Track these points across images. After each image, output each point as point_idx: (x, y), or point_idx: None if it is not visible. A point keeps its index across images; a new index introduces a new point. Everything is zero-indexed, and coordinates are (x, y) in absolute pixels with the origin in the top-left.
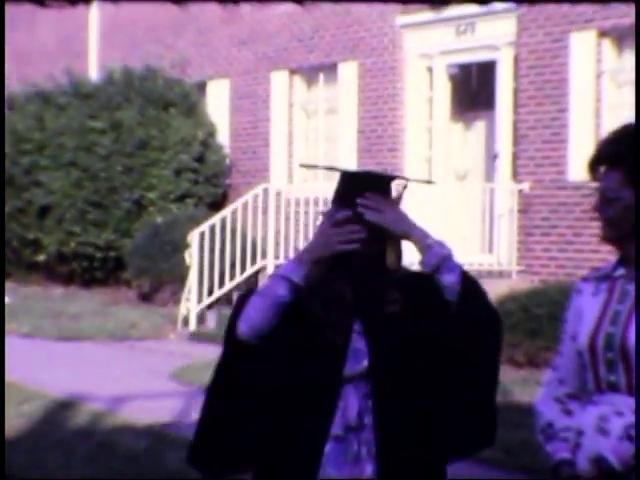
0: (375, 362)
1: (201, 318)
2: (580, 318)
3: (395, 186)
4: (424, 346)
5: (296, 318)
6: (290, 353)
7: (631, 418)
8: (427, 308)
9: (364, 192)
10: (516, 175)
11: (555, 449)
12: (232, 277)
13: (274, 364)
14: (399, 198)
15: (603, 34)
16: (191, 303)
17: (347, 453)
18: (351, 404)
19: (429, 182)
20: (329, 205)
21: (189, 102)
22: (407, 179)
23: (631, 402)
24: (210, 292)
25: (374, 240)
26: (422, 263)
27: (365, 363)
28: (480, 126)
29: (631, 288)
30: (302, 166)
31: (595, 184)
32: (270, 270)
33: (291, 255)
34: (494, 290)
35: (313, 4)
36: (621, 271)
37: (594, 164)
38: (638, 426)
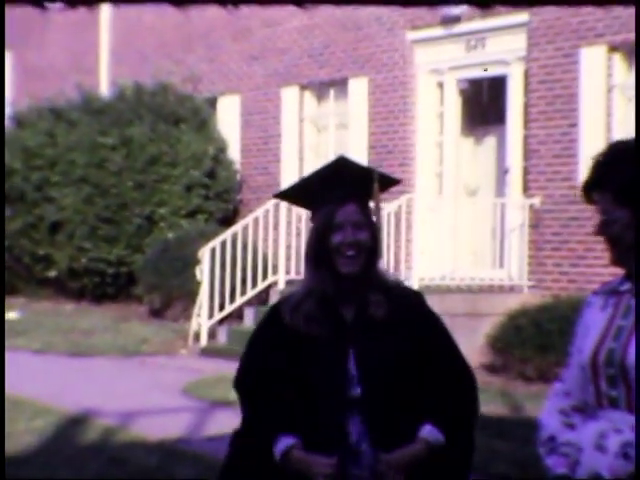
0: (368, 389)
1: (212, 333)
2: (587, 332)
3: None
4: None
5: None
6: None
7: (629, 435)
8: (412, 323)
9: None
10: (527, 190)
11: (554, 464)
12: (243, 292)
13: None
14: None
15: (613, 49)
16: (202, 318)
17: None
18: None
19: (397, 181)
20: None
21: (200, 118)
22: (379, 174)
23: (630, 419)
24: (221, 307)
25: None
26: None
27: (359, 390)
28: (491, 141)
29: (634, 303)
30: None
31: (593, 208)
32: (281, 285)
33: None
34: (505, 305)
35: (313, 6)
36: (627, 286)
37: (587, 190)
38: (638, 441)
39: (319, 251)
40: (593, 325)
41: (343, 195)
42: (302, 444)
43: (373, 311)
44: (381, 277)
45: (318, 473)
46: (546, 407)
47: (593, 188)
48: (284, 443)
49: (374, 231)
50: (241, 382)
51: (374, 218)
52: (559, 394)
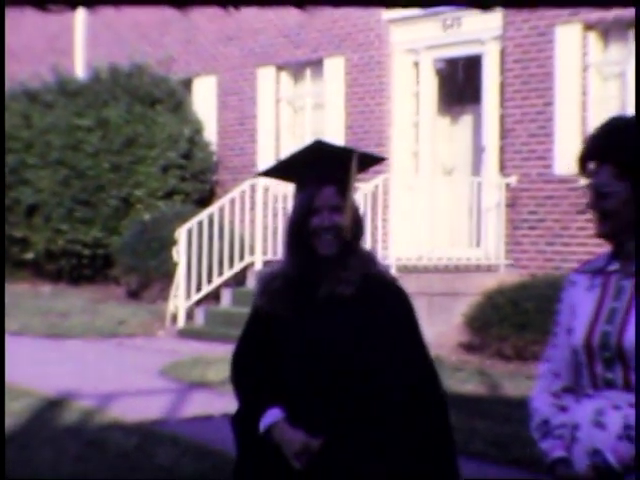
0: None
1: (189, 315)
2: (574, 313)
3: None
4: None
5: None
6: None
7: (629, 412)
8: (379, 305)
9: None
10: (503, 169)
11: (550, 447)
12: (220, 273)
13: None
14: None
15: (588, 27)
16: (179, 300)
17: None
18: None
19: (382, 159)
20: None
21: (175, 99)
22: (361, 153)
23: (628, 397)
24: (198, 288)
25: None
26: None
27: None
28: (467, 120)
29: (627, 284)
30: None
31: (586, 180)
32: (258, 266)
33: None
34: (482, 284)
35: (314, 8)
36: (615, 266)
37: (583, 160)
38: (638, 426)
39: (298, 233)
40: (580, 306)
41: (321, 178)
42: (288, 420)
43: (342, 290)
44: (362, 259)
45: (290, 452)
46: (536, 390)
47: (591, 159)
48: (269, 417)
49: (353, 213)
50: (235, 362)
51: (351, 198)
52: (548, 376)
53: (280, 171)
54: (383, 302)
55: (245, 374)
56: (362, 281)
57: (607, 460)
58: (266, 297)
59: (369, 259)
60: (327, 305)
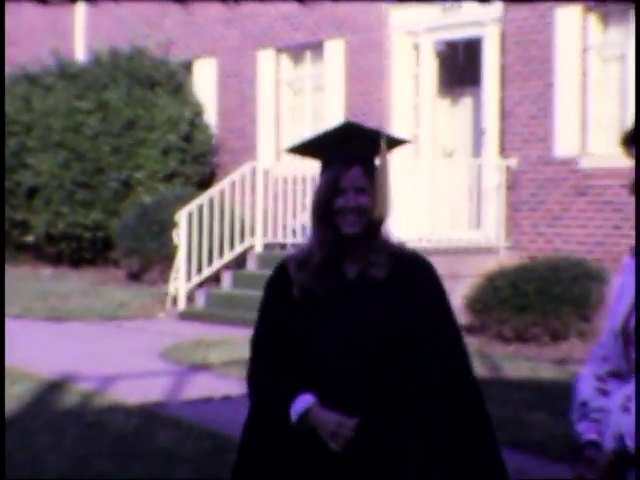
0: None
1: (190, 297)
2: (619, 297)
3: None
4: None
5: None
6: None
7: None
8: (413, 285)
9: (354, 148)
10: (503, 151)
11: (584, 430)
12: (221, 256)
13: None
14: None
15: (588, 10)
16: (180, 282)
17: None
18: None
19: (405, 141)
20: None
21: (176, 82)
22: (386, 136)
23: None
24: (199, 271)
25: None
26: None
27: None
28: (467, 103)
29: None
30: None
31: (630, 160)
32: (258, 249)
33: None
34: (482, 266)
35: (315, 3)
36: None
37: (627, 142)
38: (639, 421)
39: (324, 212)
40: (625, 290)
41: (348, 159)
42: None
43: (375, 272)
44: (385, 240)
45: (327, 433)
46: (584, 372)
47: (634, 142)
48: (301, 403)
49: (382, 195)
50: (256, 342)
51: (382, 179)
52: (597, 359)
53: (308, 148)
54: (416, 282)
55: (265, 366)
56: (390, 261)
57: (626, 445)
58: (306, 274)
59: (388, 237)
60: (360, 286)
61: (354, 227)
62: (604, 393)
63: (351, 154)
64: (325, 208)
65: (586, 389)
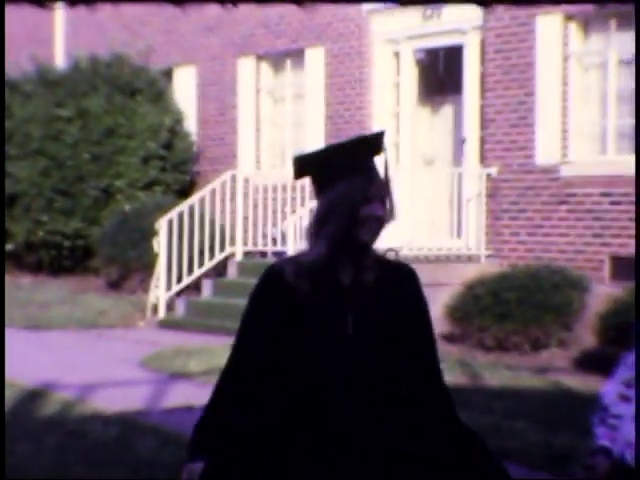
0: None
1: (170, 306)
2: None
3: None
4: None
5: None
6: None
7: None
8: (399, 290)
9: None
10: (484, 159)
11: (600, 434)
12: (201, 264)
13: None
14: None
15: (569, 18)
16: (160, 291)
17: None
18: None
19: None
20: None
21: (156, 89)
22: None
23: None
24: (179, 279)
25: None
26: None
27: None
28: (447, 111)
29: None
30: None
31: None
32: (239, 257)
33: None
34: (463, 274)
35: (312, 5)
36: None
37: None
38: (638, 429)
39: (345, 220)
40: None
41: (376, 170)
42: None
43: (366, 277)
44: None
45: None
46: (613, 377)
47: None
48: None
49: (390, 203)
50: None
51: (390, 189)
52: (627, 365)
53: (325, 160)
54: (401, 286)
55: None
56: (377, 266)
57: (625, 457)
58: (307, 279)
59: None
60: (354, 290)
61: (373, 235)
62: (625, 399)
63: (374, 166)
64: (351, 216)
65: (610, 394)
